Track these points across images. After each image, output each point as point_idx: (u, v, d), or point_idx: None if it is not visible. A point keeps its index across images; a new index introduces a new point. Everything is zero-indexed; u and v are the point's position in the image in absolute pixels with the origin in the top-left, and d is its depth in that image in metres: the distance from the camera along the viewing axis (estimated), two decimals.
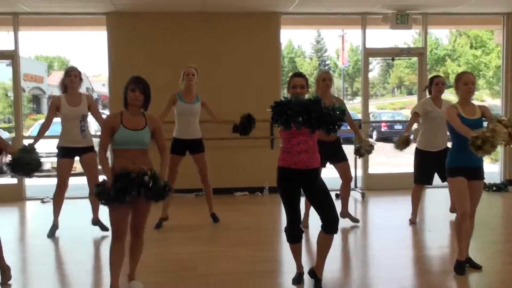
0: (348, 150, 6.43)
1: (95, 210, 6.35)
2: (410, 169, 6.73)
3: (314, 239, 4.44)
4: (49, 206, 8.09)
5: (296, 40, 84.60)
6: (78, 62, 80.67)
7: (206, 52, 8.60)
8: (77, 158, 6.21)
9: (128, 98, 4.21)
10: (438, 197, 7.16)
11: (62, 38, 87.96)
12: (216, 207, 6.80)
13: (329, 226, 4.23)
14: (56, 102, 6.14)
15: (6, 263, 4.64)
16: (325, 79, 6.13)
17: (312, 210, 4.33)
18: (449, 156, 4.88)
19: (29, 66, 33.58)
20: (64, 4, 8.06)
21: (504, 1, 8.54)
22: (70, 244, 6.05)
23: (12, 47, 8.54)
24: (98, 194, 4.01)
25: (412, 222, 6.59)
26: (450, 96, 10.59)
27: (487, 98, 42.13)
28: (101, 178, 4.15)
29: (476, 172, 4.81)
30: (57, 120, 6.30)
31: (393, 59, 9.87)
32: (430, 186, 6.86)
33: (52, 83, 40.43)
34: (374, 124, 24.10)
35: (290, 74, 4.53)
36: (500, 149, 9.02)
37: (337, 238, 4.51)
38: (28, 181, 8.62)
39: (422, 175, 6.44)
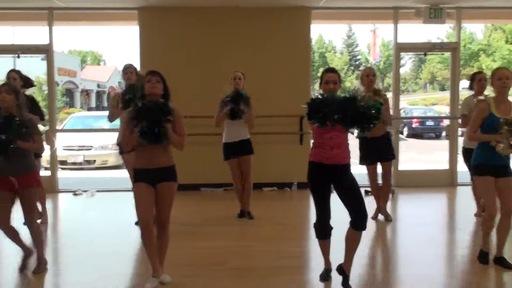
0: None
1: None
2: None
3: (339, 235, 4.38)
4: (82, 199, 8.28)
5: (327, 35, 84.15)
6: (111, 56, 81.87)
7: (238, 47, 8.62)
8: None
9: (146, 89, 4.21)
10: (469, 194, 7.03)
11: (95, 32, 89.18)
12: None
13: (358, 222, 4.18)
14: (115, 98, 6.26)
15: (45, 256, 4.78)
16: (368, 74, 6.32)
17: (341, 206, 4.29)
18: (475, 153, 4.83)
19: (62, 60, 34.19)
20: None
21: None
22: (102, 236, 6.16)
23: (46, 42, 8.72)
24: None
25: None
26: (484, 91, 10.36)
27: None
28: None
29: (504, 170, 4.73)
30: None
31: (425, 54, 9.72)
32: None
33: (85, 77, 41.17)
34: (405, 120, 23.78)
35: (321, 69, 4.54)
36: None
37: (366, 234, 4.46)
38: (61, 174, 8.79)
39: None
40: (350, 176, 4.29)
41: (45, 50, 8.79)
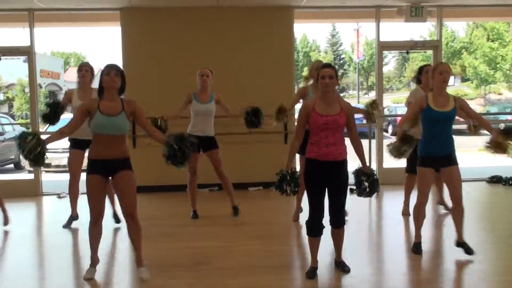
0: None
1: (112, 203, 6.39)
2: None
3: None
4: (66, 201, 8.20)
5: (311, 34, 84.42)
6: (94, 57, 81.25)
7: (220, 47, 8.62)
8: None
9: (104, 82, 4.25)
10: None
11: (78, 34, 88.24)
12: (229, 202, 6.81)
13: (333, 221, 4.50)
14: (69, 95, 6.39)
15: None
16: (317, 68, 5.84)
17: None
18: (420, 145, 5.01)
19: (45, 62, 33.84)
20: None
21: None
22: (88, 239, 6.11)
23: (27, 43, 8.62)
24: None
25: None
26: (466, 89, 10.47)
27: (504, 91, 41.64)
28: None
29: (448, 160, 4.90)
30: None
31: (407, 52, 9.79)
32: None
33: (69, 79, 40.76)
34: (389, 118, 23.93)
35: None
36: None
37: (351, 232, 4.51)
38: (45, 177, 8.70)
39: None
40: (344, 172, 4.43)
41: (27, 52, 8.70)
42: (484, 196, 8.39)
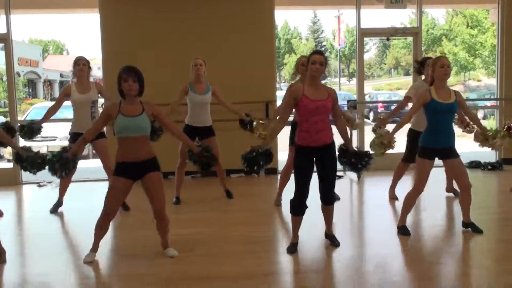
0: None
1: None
2: (403, 149, 6.77)
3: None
4: (46, 190, 8.14)
5: (292, 21, 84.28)
6: (73, 45, 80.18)
7: (200, 34, 8.56)
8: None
9: (123, 88, 4.42)
10: (436, 175, 7.15)
11: (56, 21, 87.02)
12: (212, 189, 6.83)
13: (324, 198, 4.82)
14: (66, 90, 6.42)
15: (2, 246, 4.69)
16: (303, 63, 5.93)
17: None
18: (423, 136, 5.13)
19: (23, 50, 33.39)
20: None
21: None
22: (69, 227, 6.12)
23: (4, 31, 8.47)
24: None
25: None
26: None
27: (483, 78, 42.11)
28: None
29: (450, 152, 5.06)
30: (50, 104, 6.39)
31: (388, 39, 9.81)
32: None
33: (47, 67, 40.27)
34: (370, 105, 24.10)
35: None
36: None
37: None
38: None
39: None
40: (333, 154, 4.70)
41: (3, 40, 8.54)
42: None
